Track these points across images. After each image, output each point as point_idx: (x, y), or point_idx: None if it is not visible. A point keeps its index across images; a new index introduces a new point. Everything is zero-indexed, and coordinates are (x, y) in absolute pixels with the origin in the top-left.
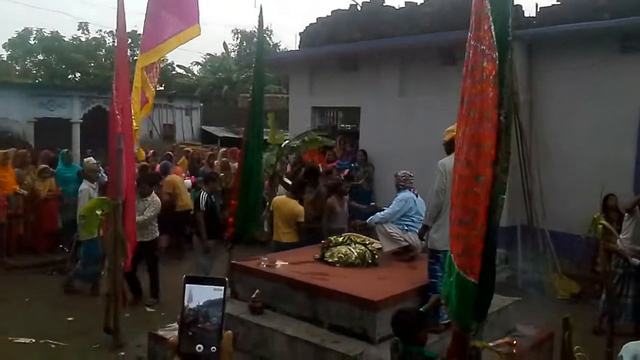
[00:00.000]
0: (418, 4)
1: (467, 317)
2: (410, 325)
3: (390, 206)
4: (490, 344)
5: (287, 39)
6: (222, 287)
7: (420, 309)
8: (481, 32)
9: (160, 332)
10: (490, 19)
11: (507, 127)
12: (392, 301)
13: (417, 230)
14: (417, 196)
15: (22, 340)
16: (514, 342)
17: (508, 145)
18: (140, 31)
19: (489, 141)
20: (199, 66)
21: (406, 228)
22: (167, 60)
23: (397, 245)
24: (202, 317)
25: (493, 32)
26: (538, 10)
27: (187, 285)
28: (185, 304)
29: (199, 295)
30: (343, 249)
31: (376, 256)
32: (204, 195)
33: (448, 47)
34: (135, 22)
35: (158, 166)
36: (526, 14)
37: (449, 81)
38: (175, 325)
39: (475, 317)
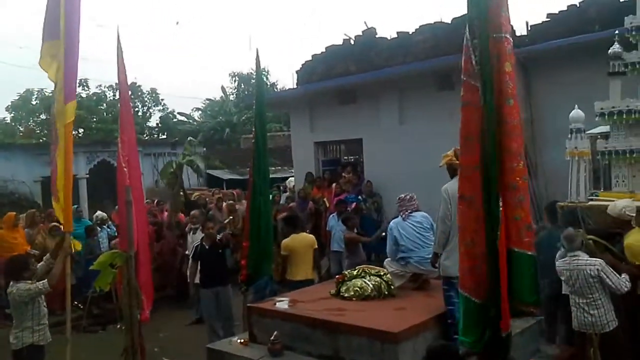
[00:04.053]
0: (410, 32)
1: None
2: None
3: None
4: None
5: (283, 78)
6: None
7: None
8: (463, 60)
9: None
10: (471, 47)
11: (488, 149)
12: (413, 331)
13: (412, 258)
14: (403, 219)
15: None
16: None
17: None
18: (139, 82)
19: (471, 164)
20: (199, 111)
21: (402, 262)
22: (168, 108)
23: (404, 279)
24: None
25: (473, 59)
26: (529, 28)
27: None
28: None
29: None
30: (358, 282)
31: (392, 286)
32: (194, 242)
33: (444, 73)
34: (134, 73)
35: (165, 214)
36: (517, 33)
37: (448, 106)
38: None
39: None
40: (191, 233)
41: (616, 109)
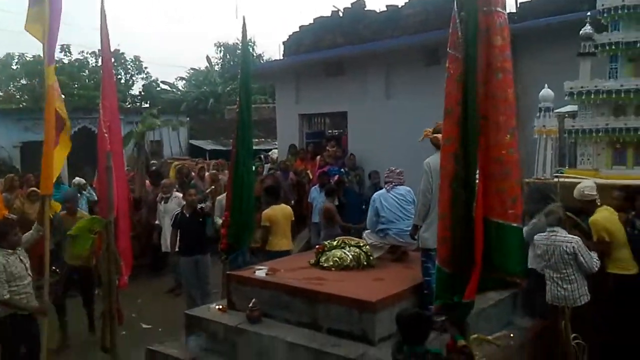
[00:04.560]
0: (399, 6)
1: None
2: (425, 327)
3: None
4: (489, 338)
5: (270, 48)
6: None
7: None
8: (450, 32)
9: (158, 348)
10: (458, 19)
11: (469, 122)
12: (390, 301)
13: (392, 230)
14: (387, 191)
15: None
16: (511, 334)
17: (466, 138)
18: (122, 49)
19: (451, 135)
20: (184, 81)
21: (382, 234)
22: (151, 77)
23: (382, 251)
24: None
25: (459, 31)
26: (518, 5)
27: None
28: None
29: None
30: (338, 252)
31: (371, 257)
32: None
33: (431, 47)
34: (118, 40)
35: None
36: (507, 10)
37: (434, 81)
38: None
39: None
40: (162, 202)
41: (585, 88)
